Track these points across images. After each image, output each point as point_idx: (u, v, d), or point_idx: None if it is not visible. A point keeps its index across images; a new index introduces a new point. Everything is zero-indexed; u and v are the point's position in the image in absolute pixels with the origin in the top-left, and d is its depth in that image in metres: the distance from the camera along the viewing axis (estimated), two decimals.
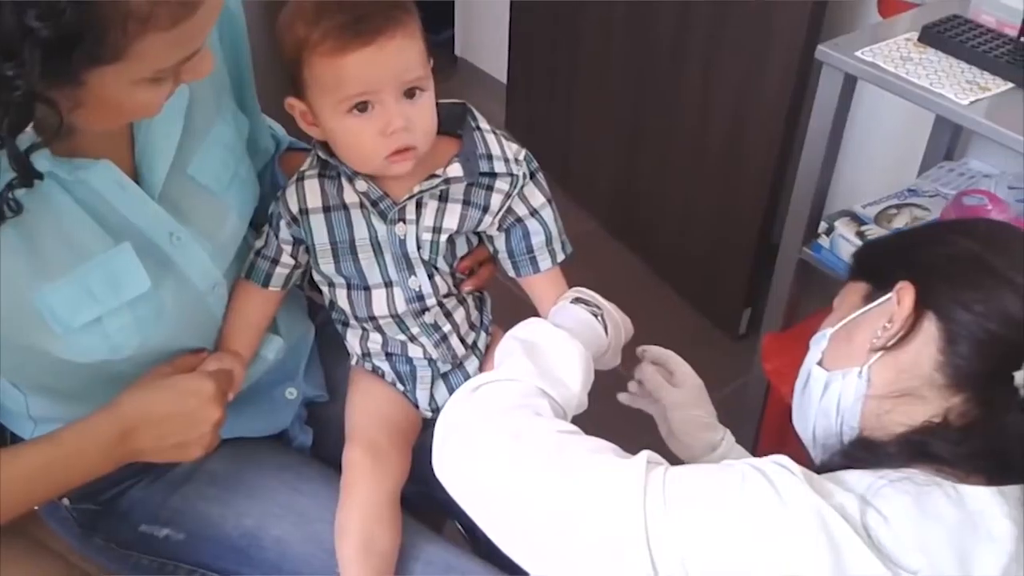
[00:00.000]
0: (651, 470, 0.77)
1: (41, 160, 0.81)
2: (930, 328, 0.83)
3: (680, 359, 1.15)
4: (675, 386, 1.12)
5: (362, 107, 0.94)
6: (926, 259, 0.87)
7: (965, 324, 0.81)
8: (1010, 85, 1.47)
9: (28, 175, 0.78)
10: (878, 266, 0.93)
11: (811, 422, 0.93)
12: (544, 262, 1.07)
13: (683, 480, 0.76)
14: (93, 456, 0.93)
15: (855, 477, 0.77)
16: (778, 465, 0.76)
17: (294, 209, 1.04)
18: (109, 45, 0.72)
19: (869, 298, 0.90)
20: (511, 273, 1.09)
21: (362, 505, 1.04)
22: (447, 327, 1.10)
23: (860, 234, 1.66)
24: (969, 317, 0.80)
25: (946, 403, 0.81)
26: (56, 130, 0.76)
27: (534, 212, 1.05)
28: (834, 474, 0.79)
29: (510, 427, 0.85)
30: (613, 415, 1.12)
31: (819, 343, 0.94)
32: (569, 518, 0.77)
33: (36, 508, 1.12)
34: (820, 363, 0.92)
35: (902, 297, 0.84)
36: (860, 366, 0.86)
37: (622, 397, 1.18)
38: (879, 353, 0.85)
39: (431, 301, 1.06)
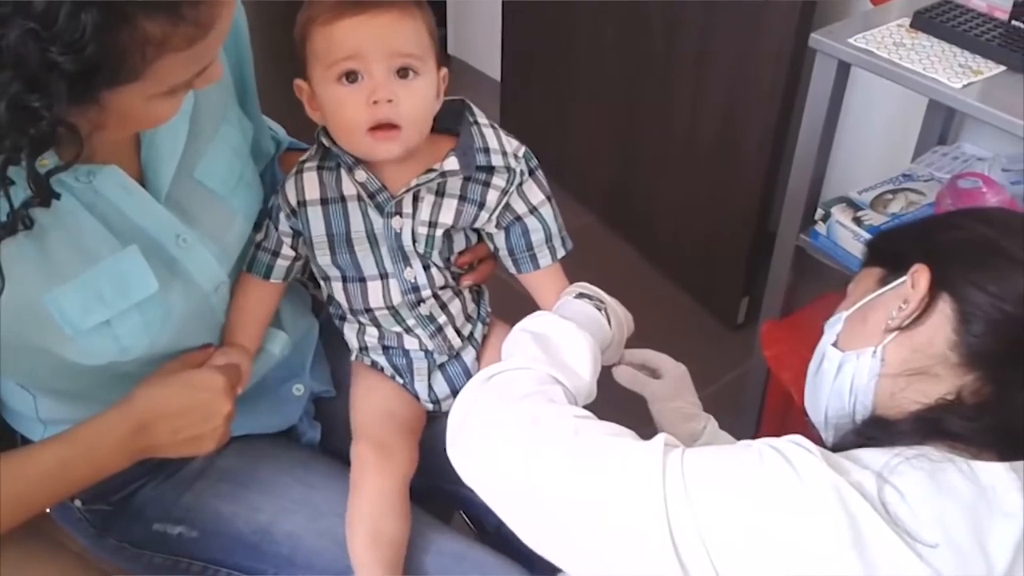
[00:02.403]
0: (668, 452, 0.78)
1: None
2: (945, 308, 0.84)
3: (657, 353, 1.15)
4: (658, 379, 1.13)
5: (352, 77, 0.96)
6: (941, 244, 0.89)
7: (980, 304, 0.82)
8: (1002, 68, 1.48)
9: (47, 196, 0.80)
10: (893, 252, 0.94)
11: (823, 403, 0.94)
12: (544, 259, 1.08)
13: (701, 461, 0.77)
14: (108, 453, 0.94)
15: (870, 455, 0.78)
16: (795, 444, 0.77)
17: (292, 201, 1.05)
18: (128, 69, 0.74)
19: (883, 282, 0.91)
20: (512, 270, 1.10)
21: (371, 498, 1.05)
22: (442, 318, 1.11)
23: (857, 220, 1.67)
24: (984, 298, 0.82)
25: (959, 381, 0.82)
26: (77, 153, 0.78)
27: (533, 210, 1.06)
28: (849, 452, 0.80)
29: (527, 413, 0.86)
30: (614, 407, 1.13)
31: (834, 326, 0.95)
32: (588, 501, 0.78)
33: (47, 511, 1.13)
34: (835, 344, 0.93)
35: (917, 279, 0.86)
36: (875, 346, 0.88)
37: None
38: (894, 333, 0.87)
39: (426, 292, 1.07)
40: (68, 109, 0.73)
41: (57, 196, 0.81)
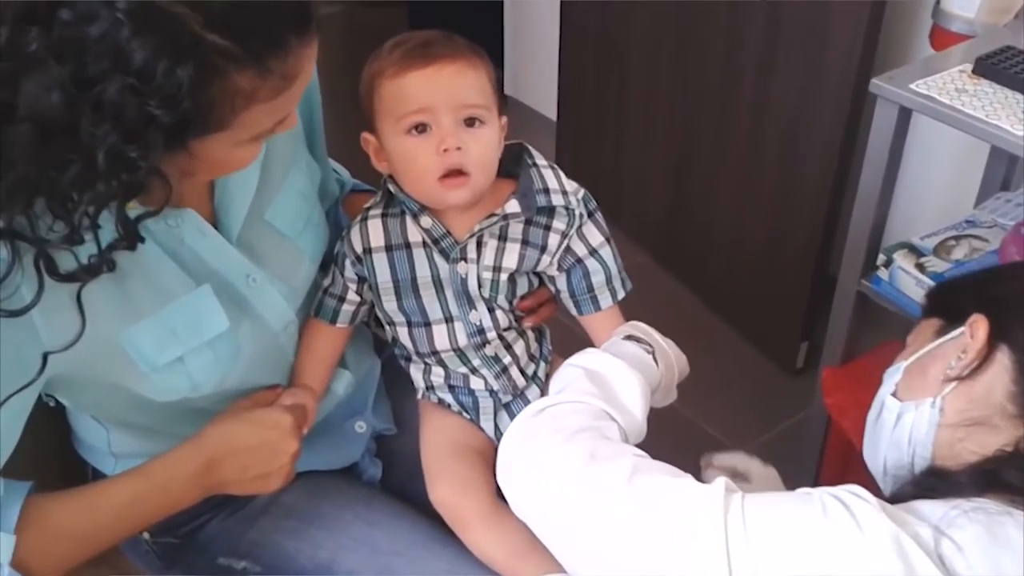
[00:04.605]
0: (729, 497, 0.78)
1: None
2: (1003, 359, 0.85)
3: (746, 456, 1.15)
4: (748, 481, 1.12)
5: (421, 128, 0.99)
6: (998, 294, 0.90)
7: None
8: None
9: (134, 239, 0.83)
10: (951, 303, 0.95)
11: (882, 453, 0.94)
12: (605, 300, 1.10)
13: (762, 508, 0.77)
14: (179, 488, 0.96)
15: (928, 507, 0.77)
16: (854, 495, 0.76)
17: (358, 249, 1.07)
18: (218, 119, 0.78)
19: (942, 332, 0.92)
20: (573, 312, 1.11)
21: (483, 523, 1.06)
22: (507, 359, 1.12)
23: (919, 266, 1.65)
24: None
25: (1018, 433, 0.82)
26: (167, 199, 0.82)
27: (593, 251, 1.08)
28: (907, 504, 0.79)
29: (584, 446, 0.86)
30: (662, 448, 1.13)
31: (893, 376, 0.95)
32: (646, 540, 0.78)
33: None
34: (894, 395, 0.94)
35: (975, 330, 0.87)
36: (934, 396, 0.88)
37: None
38: (953, 384, 0.87)
39: (492, 334, 1.09)
40: (160, 157, 0.77)
41: (142, 240, 0.85)
